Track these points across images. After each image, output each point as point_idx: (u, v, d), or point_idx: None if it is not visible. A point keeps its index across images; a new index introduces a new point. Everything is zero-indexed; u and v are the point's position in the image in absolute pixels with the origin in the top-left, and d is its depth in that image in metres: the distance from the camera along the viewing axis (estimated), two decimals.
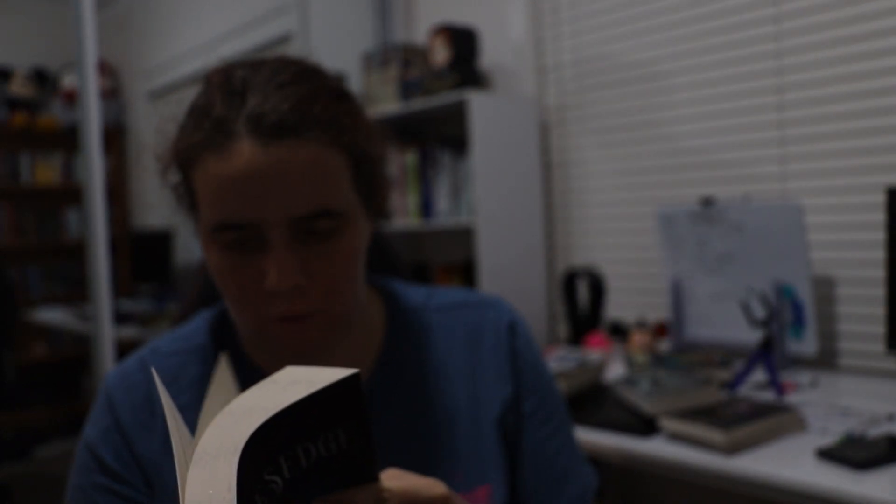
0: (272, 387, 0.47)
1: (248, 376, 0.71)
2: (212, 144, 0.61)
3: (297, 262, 0.62)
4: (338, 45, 2.76)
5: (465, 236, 2.29)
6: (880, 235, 1.56)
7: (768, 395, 1.42)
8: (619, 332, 2.03)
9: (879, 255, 1.58)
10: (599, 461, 1.33)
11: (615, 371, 1.69)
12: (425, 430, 0.72)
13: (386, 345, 0.74)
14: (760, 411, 1.24)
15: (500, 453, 0.75)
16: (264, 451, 0.44)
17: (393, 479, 0.52)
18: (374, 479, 0.51)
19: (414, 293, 0.80)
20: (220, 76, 0.65)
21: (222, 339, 0.74)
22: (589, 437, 1.33)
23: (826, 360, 1.72)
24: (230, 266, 0.63)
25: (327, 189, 0.62)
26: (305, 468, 0.47)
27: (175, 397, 0.68)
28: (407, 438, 0.72)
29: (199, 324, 0.76)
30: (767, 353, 1.44)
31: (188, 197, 0.66)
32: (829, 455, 1.11)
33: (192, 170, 0.63)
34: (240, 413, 0.44)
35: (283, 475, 0.45)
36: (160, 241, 3.79)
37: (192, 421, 0.56)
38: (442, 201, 2.28)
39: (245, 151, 0.60)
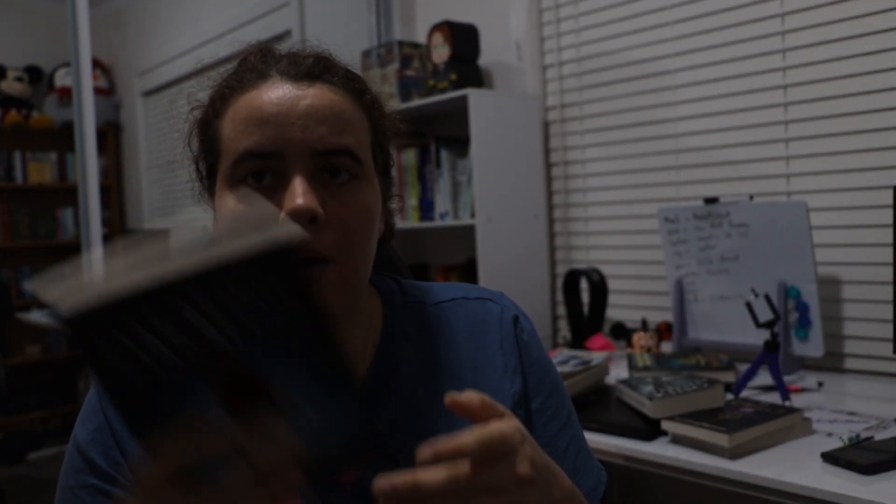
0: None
1: None
2: (246, 84, 0.68)
3: (316, 195, 0.64)
4: (336, 42, 2.73)
5: (465, 236, 2.26)
6: (888, 235, 1.54)
7: (773, 398, 1.41)
8: (621, 333, 2.02)
9: (887, 255, 1.56)
10: (602, 464, 1.31)
11: (617, 373, 1.68)
12: (428, 424, 0.72)
13: (384, 338, 0.74)
14: (765, 414, 1.23)
15: None
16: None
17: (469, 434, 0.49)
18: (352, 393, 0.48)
19: (412, 288, 0.80)
20: (253, 48, 0.73)
21: None
22: (592, 439, 1.32)
23: (832, 362, 1.71)
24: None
25: (349, 133, 0.67)
26: (259, 337, 0.45)
27: None
28: (409, 433, 0.71)
29: None
30: (772, 356, 1.43)
31: (211, 156, 0.70)
32: (834, 459, 1.10)
33: (222, 118, 0.68)
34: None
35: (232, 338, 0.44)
36: None
37: None
38: (442, 201, 2.26)
39: (277, 86, 0.67)
